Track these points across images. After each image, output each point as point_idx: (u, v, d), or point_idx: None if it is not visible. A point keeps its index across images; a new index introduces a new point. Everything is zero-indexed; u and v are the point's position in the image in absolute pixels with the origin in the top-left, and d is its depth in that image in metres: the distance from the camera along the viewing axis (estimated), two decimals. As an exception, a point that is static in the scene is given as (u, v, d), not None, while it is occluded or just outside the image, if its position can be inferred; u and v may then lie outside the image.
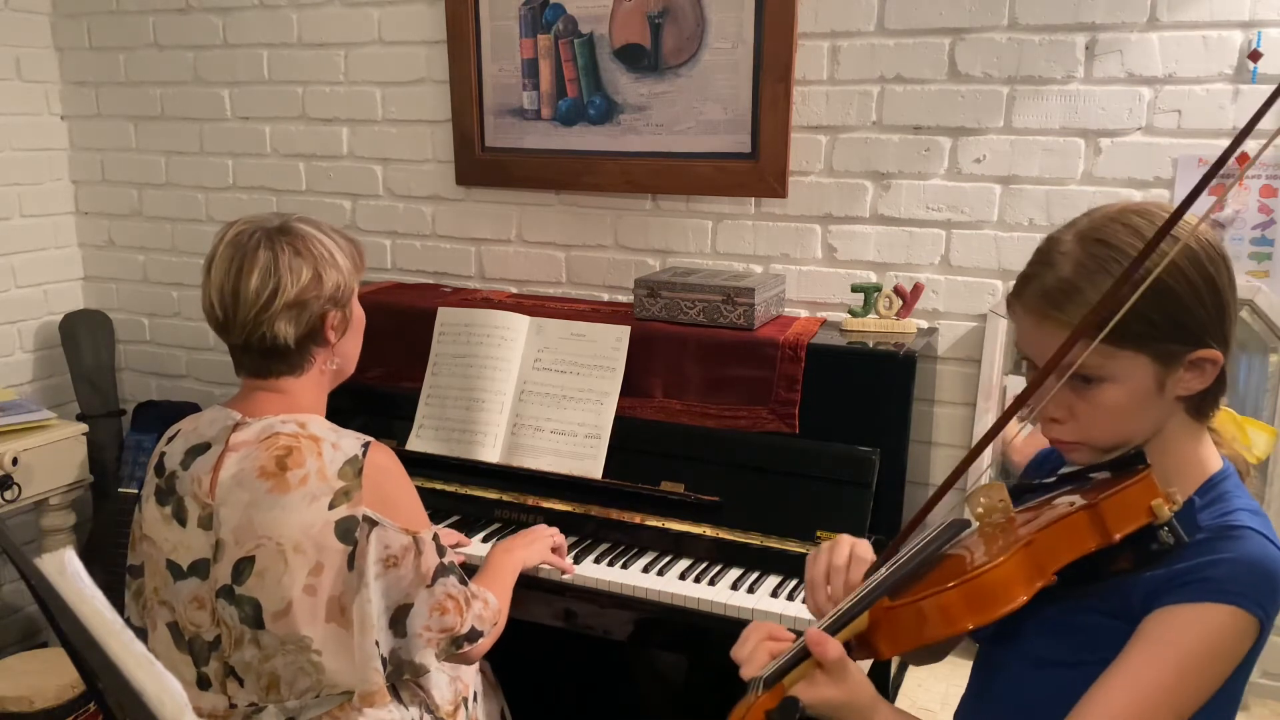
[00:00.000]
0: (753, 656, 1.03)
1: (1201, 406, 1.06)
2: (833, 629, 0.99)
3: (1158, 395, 1.02)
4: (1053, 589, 0.97)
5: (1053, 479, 1.14)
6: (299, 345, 1.49)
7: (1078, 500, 1.00)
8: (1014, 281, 1.09)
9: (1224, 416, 1.11)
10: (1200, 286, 1.00)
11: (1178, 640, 0.94)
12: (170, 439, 1.53)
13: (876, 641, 0.99)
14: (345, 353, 1.58)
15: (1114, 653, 0.97)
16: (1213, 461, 1.07)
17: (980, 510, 1.05)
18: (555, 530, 1.88)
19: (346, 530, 1.40)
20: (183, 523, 1.46)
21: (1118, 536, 0.96)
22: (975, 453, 1.06)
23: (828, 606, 1.13)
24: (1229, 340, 1.03)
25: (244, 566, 1.41)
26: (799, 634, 1.02)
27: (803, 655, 0.97)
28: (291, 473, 1.41)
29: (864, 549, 1.19)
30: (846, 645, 0.99)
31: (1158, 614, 0.96)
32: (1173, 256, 0.97)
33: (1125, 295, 0.96)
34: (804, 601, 1.70)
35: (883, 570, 1.06)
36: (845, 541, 1.20)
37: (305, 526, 1.39)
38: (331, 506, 1.40)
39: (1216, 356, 1.01)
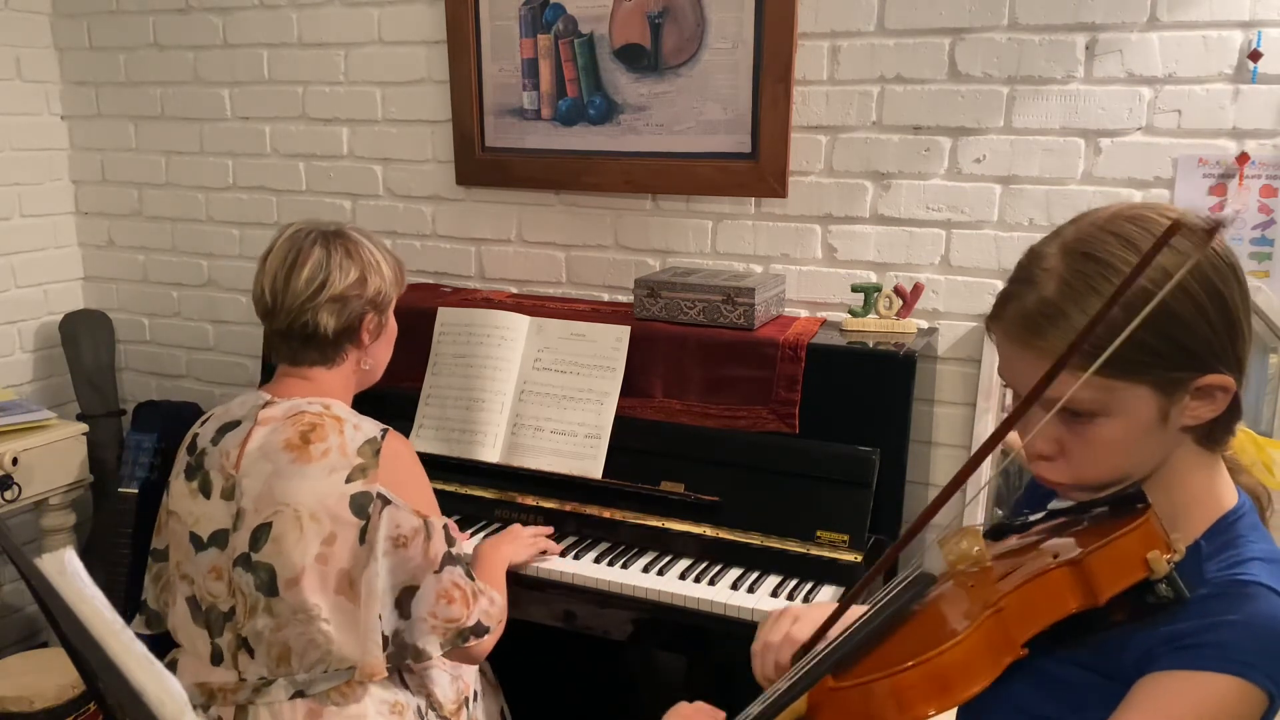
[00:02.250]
0: None
1: (1213, 434, 0.92)
2: (761, 718, 0.86)
3: (1160, 427, 0.89)
4: (1043, 638, 0.85)
5: (1042, 513, 1.01)
6: (335, 338, 1.58)
7: (1062, 550, 0.87)
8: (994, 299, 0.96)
9: (1242, 438, 0.98)
10: (1207, 305, 0.86)
11: (1170, 710, 0.83)
12: (204, 422, 1.62)
13: None
14: (377, 357, 1.68)
15: (1102, 714, 0.87)
16: (1226, 496, 0.94)
17: (953, 559, 0.92)
18: (538, 530, 1.90)
19: (361, 505, 1.46)
20: (207, 495, 1.53)
21: (1104, 598, 0.83)
22: (940, 502, 0.90)
23: (764, 684, 1.01)
24: (1243, 362, 0.90)
25: (261, 533, 1.46)
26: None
27: None
28: (314, 445, 1.48)
29: (802, 629, 1.04)
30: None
31: (1150, 679, 0.85)
32: (1174, 275, 0.82)
33: (1116, 320, 0.81)
34: (803, 602, 1.71)
35: (825, 644, 0.92)
36: (787, 615, 1.07)
37: (322, 496, 1.45)
38: (349, 480, 1.46)
39: (1228, 383, 0.88)
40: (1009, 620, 0.83)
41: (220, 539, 1.51)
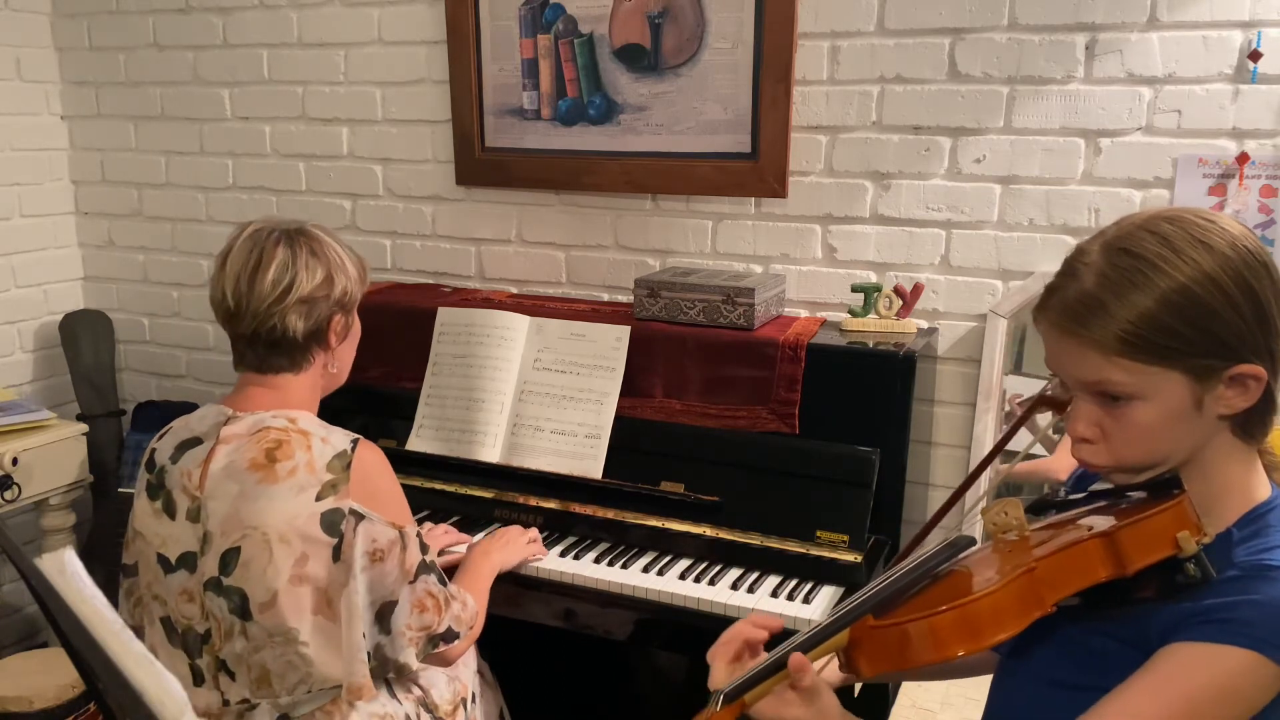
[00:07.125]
0: (720, 668, 1.00)
1: (1248, 427, 0.98)
2: (808, 645, 0.95)
3: (1195, 414, 0.95)
4: (1075, 609, 0.92)
5: (1083, 494, 1.07)
6: (304, 341, 1.53)
7: (1097, 525, 0.93)
8: (1040, 293, 1.02)
9: (1277, 437, 1.03)
10: (1237, 297, 0.92)
11: (1185, 678, 0.89)
12: (162, 436, 1.56)
13: (857, 660, 0.95)
14: (343, 359, 1.63)
15: (1123, 681, 0.92)
16: (1261, 489, 0.99)
17: (994, 527, 0.99)
18: (533, 532, 1.89)
19: (332, 522, 1.42)
20: (171, 515, 1.48)
21: (1133, 569, 0.89)
22: (963, 490, 1.00)
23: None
24: (1275, 355, 0.95)
25: (230, 557, 1.43)
26: (779, 631, 1.02)
27: (770, 671, 0.93)
28: (281, 464, 1.43)
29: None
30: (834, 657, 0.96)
31: (1170, 648, 0.90)
32: (1203, 265, 0.91)
33: (1153, 312, 0.91)
34: (803, 602, 1.71)
35: (873, 586, 1.02)
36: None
37: (291, 517, 1.41)
38: (319, 498, 1.42)
39: (1259, 372, 0.93)
40: (1040, 581, 0.90)
41: (189, 561, 1.47)
